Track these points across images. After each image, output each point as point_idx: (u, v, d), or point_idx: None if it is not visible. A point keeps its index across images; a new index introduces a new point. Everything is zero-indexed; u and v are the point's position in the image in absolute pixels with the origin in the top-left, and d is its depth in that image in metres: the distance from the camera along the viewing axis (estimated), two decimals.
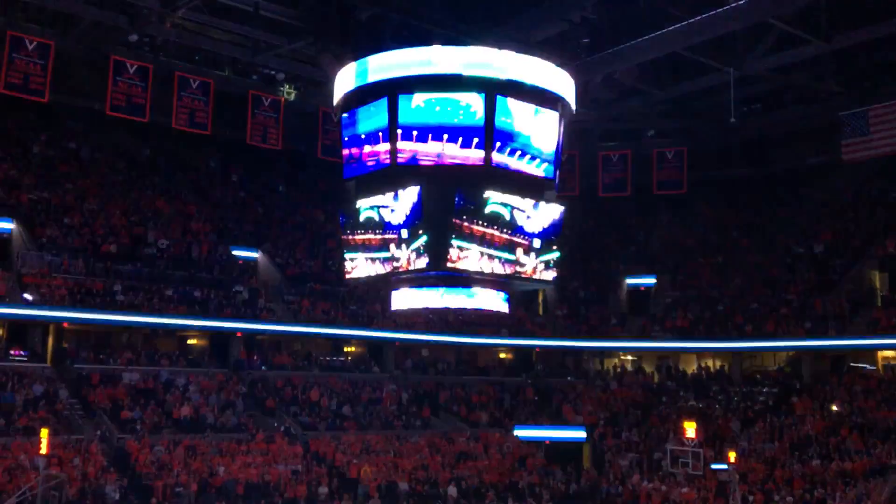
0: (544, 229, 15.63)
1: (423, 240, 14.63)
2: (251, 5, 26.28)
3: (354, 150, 16.11)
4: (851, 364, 34.42)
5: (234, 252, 35.00)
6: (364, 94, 15.57)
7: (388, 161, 15.08)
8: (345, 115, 16.28)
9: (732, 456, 26.35)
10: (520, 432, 33.93)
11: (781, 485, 27.06)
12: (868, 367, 34.25)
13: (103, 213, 32.72)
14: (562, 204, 16.08)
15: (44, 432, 21.99)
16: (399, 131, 14.79)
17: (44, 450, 21.84)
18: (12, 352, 28.17)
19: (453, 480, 28.87)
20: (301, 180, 40.75)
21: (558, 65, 16.05)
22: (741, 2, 22.67)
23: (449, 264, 14.59)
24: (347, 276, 16.72)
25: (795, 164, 38.66)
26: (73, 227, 31.45)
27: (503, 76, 14.83)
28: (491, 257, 15.01)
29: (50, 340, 29.18)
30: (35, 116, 33.76)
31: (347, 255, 16.52)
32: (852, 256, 36.27)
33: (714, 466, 28.20)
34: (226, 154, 38.75)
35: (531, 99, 15.21)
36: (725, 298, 37.85)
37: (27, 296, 27.56)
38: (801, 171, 38.75)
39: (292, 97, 33.00)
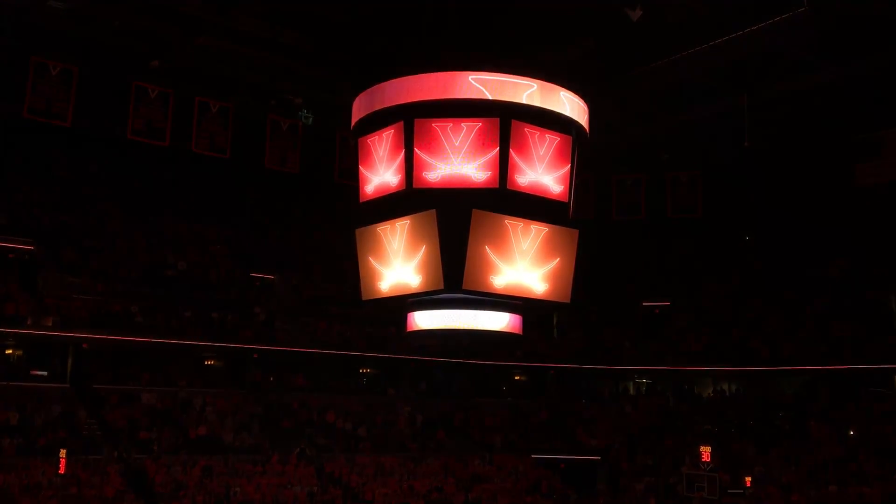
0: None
1: (438, 262, 14.80)
2: (271, 32, 26.71)
3: (370, 174, 16.36)
4: (868, 388, 34.15)
5: (252, 274, 35.31)
6: (380, 119, 15.84)
7: (403, 185, 15.30)
8: (361, 138, 16.56)
9: (748, 480, 26.21)
10: (534, 455, 33.84)
11: None
12: (885, 391, 34.00)
13: (123, 237, 33.15)
14: (575, 227, 16.24)
15: (62, 452, 22.26)
16: (415, 155, 15.03)
17: (61, 469, 22.10)
18: (32, 372, 28.53)
19: (468, 503, 28.83)
20: (318, 204, 41.10)
21: (572, 89, 16.26)
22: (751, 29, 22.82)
23: (464, 286, 14.76)
24: (363, 299, 16.90)
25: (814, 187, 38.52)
26: (93, 249, 31.87)
27: (518, 101, 15.06)
28: (505, 278, 15.16)
29: (69, 361, 29.50)
30: (57, 140, 34.31)
31: (363, 278, 16.72)
32: (870, 280, 36.09)
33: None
34: (244, 178, 39.18)
35: (546, 123, 15.44)
36: (741, 322, 37.71)
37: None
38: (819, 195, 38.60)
39: (310, 121, 33.38)
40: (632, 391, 40.30)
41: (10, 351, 29.13)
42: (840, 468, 29.22)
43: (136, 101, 28.19)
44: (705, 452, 26.92)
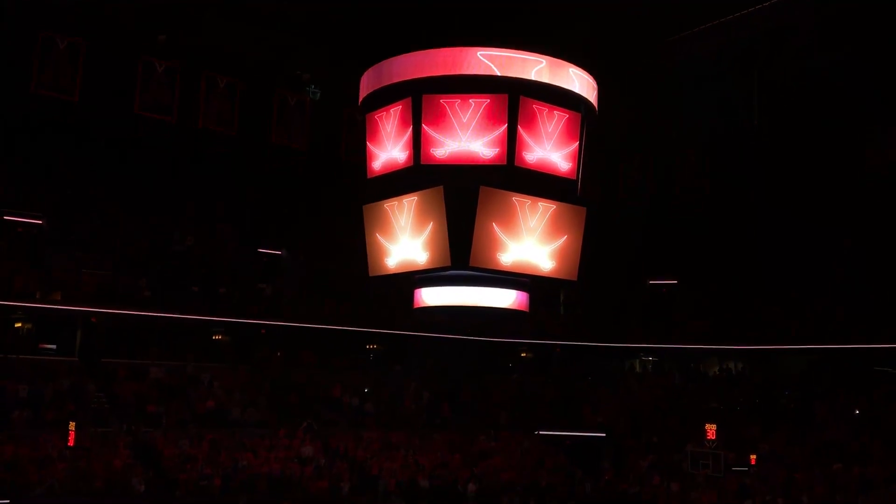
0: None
1: (445, 239, 14.80)
2: (278, 8, 26.61)
3: (378, 150, 16.34)
4: (875, 368, 34.15)
5: (259, 250, 35.38)
6: (388, 94, 15.79)
7: (411, 161, 15.29)
8: (369, 114, 16.52)
9: (753, 459, 26.32)
10: (540, 432, 34.02)
11: (802, 489, 26.96)
12: (892, 371, 34.00)
13: (130, 213, 33.22)
14: (583, 205, 16.21)
15: (71, 425, 22.48)
16: (423, 131, 15.00)
17: (71, 442, 22.33)
18: (41, 346, 28.77)
19: (473, 478, 29.04)
20: (325, 180, 41.04)
21: (583, 66, 16.16)
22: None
23: (471, 263, 14.78)
24: (370, 275, 16.94)
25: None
26: (101, 225, 31.96)
27: (527, 77, 14.99)
28: (512, 256, 15.17)
29: (78, 335, 29.70)
30: (65, 115, 34.27)
31: (370, 254, 16.75)
32: (878, 260, 35.98)
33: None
34: (251, 154, 39.11)
35: (554, 99, 15.37)
36: (748, 300, 37.66)
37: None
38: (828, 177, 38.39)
39: (317, 97, 33.31)
40: (638, 369, 40.36)
41: (20, 324, 29.34)
42: (845, 448, 29.31)
43: (144, 77, 28.18)
44: (710, 430, 27.03)
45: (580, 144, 16.01)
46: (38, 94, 27.14)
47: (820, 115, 34.94)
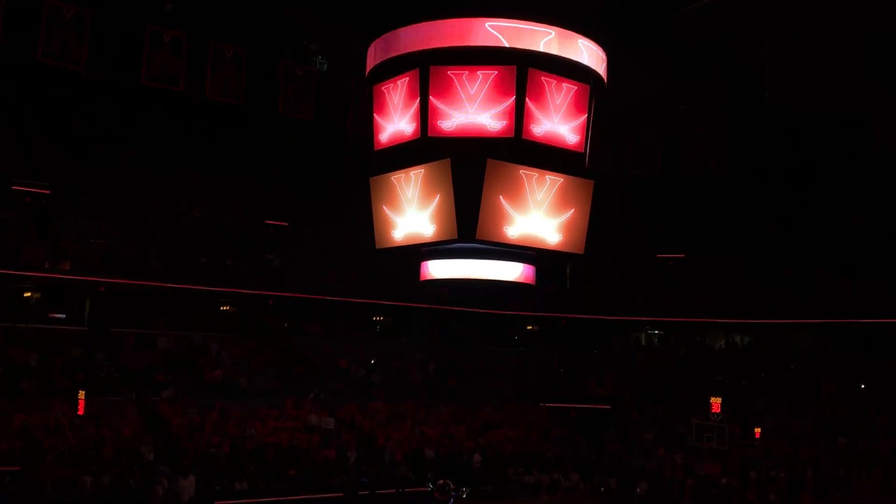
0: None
1: (452, 212, 14.77)
2: None
3: (385, 122, 16.27)
4: (880, 343, 34.15)
5: (266, 222, 35.44)
6: (395, 66, 15.68)
7: (418, 133, 15.22)
8: (376, 86, 16.42)
9: (758, 432, 26.44)
10: (545, 403, 34.22)
11: (806, 462, 27.10)
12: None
13: (138, 184, 33.27)
14: (591, 178, 16.13)
15: (81, 394, 22.69)
16: (430, 103, 14.90)
17: (80, 411, 22.56)
18: (50, 315, 28.98)
19: (478, 449, 29.28)
20: (332, 151, 40.98)
21: (592, 38, 16.00)
22: None
23: (478, 236, 14.76)
24: (377, 247, 16.94)
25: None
26: (108, 195, 32.03)
27: (535, 48, 14.84)
28: (519, 229, 15.14)
29: (87, 305, 29.89)
30: (72, 85, 34.22)
31: (377, 226, 16.74)
32: (884, 236, 35.85)
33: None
34: (259, 126, 39.05)
35: (563, 71, 15.23)
36: (755, 275, 37.63)
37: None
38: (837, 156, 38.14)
39: (324, 68, 33.13)
40: (644, 342, 40.46)
41: (29, 294, 29.54)
42: (849, 422, 29.42)
43: (151, 46, 28.02)
44: (715, 404, 27.13)
45: (588, 117, 15.89)
46: (45, 63, 27.05)
47: (829, 90, 34.61)
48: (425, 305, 34.67)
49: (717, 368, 36.26)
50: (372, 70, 16.33)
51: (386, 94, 16.11)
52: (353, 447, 27.49)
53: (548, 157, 15.31)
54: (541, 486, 28.46)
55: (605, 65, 16.09)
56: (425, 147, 15.12)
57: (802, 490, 23.56)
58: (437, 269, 16.62)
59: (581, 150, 15.91)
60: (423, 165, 15.29)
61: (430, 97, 14.91)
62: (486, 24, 14.81)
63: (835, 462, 26.69)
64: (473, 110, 14.82)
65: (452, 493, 20.03)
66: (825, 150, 37.80)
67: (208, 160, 36.89)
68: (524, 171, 15.09)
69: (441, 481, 20.61)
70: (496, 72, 14.77)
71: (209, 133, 38.13)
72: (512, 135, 14.76)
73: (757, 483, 24.88)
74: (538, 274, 17.00)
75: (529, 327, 40.33)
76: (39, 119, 33.28)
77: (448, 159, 14.69)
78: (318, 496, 24.70)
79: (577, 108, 15.64)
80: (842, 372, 32.88)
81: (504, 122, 14.80)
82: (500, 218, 14.94)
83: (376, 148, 16.60)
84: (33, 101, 33.25)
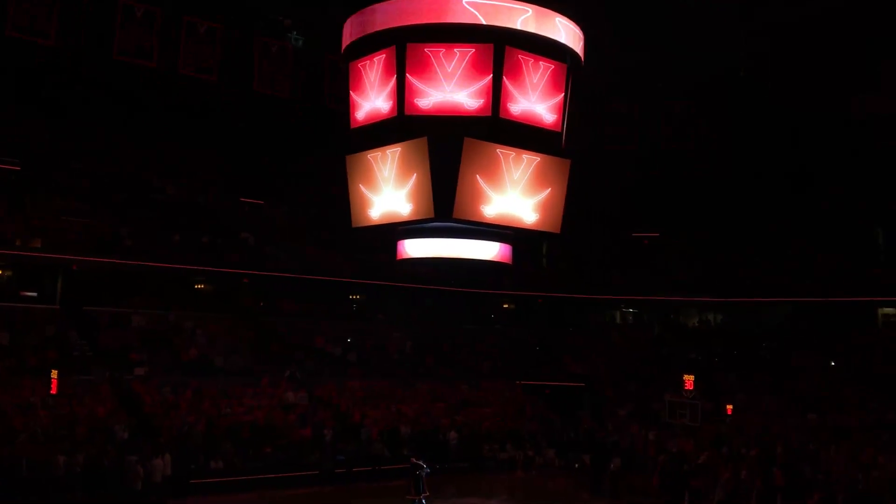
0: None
1: (429, 190, 14.73)
2: None
3: (361, 100, 16.15)
4: (852, 320, 34.68)
5: (241, 199, 35.16)
6: (371, 43, 15.54)
7: (394, 111, 15.12)
8: (352, 63, 16.27)
9: (730, 409, 26.78)
10: (521, 381, 34.44)
11: (777, 438, 27.52)
12: (867, 323, 34.55)
13: (110, 159, 32.84)
14: (568, 157, 16.15)
15: (53, 373, 22.47)
16: (407, 81, 14.80)
17: (53, 390, 22.35)
18: (22, 293, 28.62)
19: (454, 427, 29.42)
20: (308, 129, 40.67)
21: (568, 15, 15.94)
22: None
23: (454, 215, 14.75)
24: (353, 226, 16.88)
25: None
26: (80, 171, 31.58)
27: (512, 26, 14.77)
28: (496, 208, 15.14)
29: (59, 283, 29.54)
30: (43, 61, 33.60)
31: (353, 205, 16.66)
32: (858, 213, 36.29)
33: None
34: (233, 101, 38.61)
35: (540, 50, 15.19)
36: (728, 253, 37.98)
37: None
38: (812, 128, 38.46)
39: (300, 44, 32.80)
40: (618, 321, 40.77)
41: (0, 272, 29.13)
42: (820, 398, 29.89)
43: (122, 20, 27.60)
44: (688, 381, 27.39)
45: (566, 96, 15.89)
46: (13, 37, 26.55)
47: (806, 65, 34.82)
48: (402, 284, 34.64)
49: (691, 346, 36.64)
50: (348, 47, 16.19)
51: (362, 72, 16.00)
52: (330, 425, 27.50)
53: (525, 136, 15.32)
54: (516, 462, 28.70)
55: (582, 43, 16.06)
56: (402, 125, 15.06)
57: (773, 465, 23.92)
58: (414, 247, 16.62)
59: (558, 129, 15.93)
60: (399, 144, 15.23)
61: (407, 75, 14.84)
62: (464, 1, 14.74)
63: (805, 437, 27.12)
64: (450, 88, 14.77)
65: (420, 472, 20.33)
66: (801, 128, 38.10)
67: (183, 136, 36.43)
68: (501, 150, 15.09)
69: (413, 460, 20.96)
70: (473, 50, 14.71)
71: (183, 109, 37.65)
72: (489, 113, 14.74)
73: (729, 458, 25.21)
74: (515, 253, 17.04)
75: (506, 306, 40.48)
76: (9, 94, 32.64)
77: (425, 138, 14.65)
78: (295, 474, 24.71)
79: (554, 86, 15.64)
80: (813, 349, 33.36)
81: (481, 101, 14.77)
82: (477, 197, 14.94)
83: (353, 126, 16.50)
84: (2, 76, 32.61)
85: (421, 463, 20.63)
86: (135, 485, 21.25)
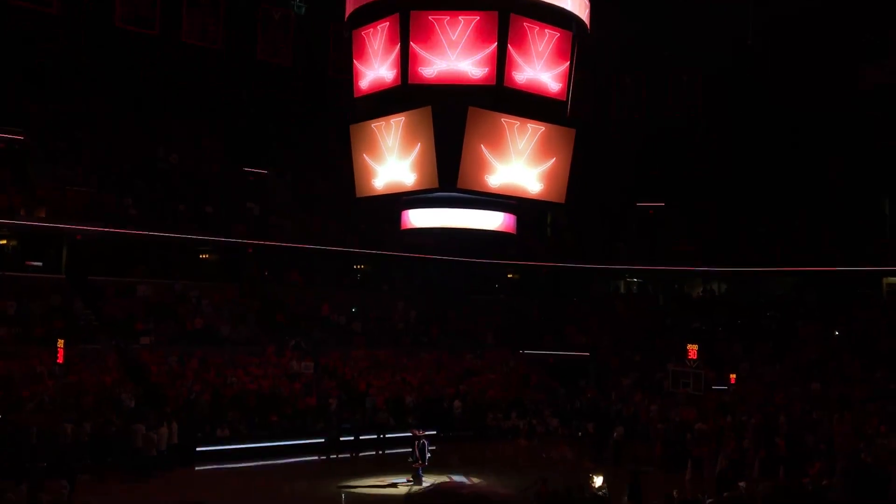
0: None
1: (433, 160, 14.66)
2: None
3: (365, 68, 16.01)
4: (857, 290, 34.62)
5: (245, 169, 35.08)
6: (375, 10, 15.37)
7: (398, 80, 14.99)
8: (355, 31, 16.11)
9: (733, 378, 26.85)
10: (525, 351, 34.56)
11: (780, 407, 27.61)
12: (872, 293, 34.50)
13: (113, 129, 32.72)
14: (573, 127, 16.03)
15: (60, 342, 22.57)
16: (411, 49, 14.66)
17: (60, 359, 22.47)
18: (27, 263, 28.71)
19: (458, 396, 29.61)
20: (312, 98, 40.42)
21: None
22: None
23: (459, 185, 14.68)
24: (357, 196, 16.82)
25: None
26: (83, 141, 31.50)
27: None
28: (500, 178, 15.07)
29: (64, 252, 29.61)
30: (46, 28, 33.34)
31: (357, 175, 16.58)
32: (864, 183, 36.06)
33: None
34: (236, 71, 38.36)
35: (545, 17, 15.01)
36: (733, 223, 37.83)
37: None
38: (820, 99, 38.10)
39: (303, 11, 32.52)
40: (623, 291, 40.79)
41: (5, 241, 29.19)
42: (824, 367, 29.93)
43: None
44: (692, 350, 27.43)
45: (571, 65, 15.71)
46: (15, 5, 26.35)
47: (815, 35, 34.43)
48: (406, 254, 34.67)
49: (695, 316, 36.66)
50: (351, 14, 16.01)
51: (366, 40, 15.83)
52: (335, 394, 27.70)
53: (530, 105, 15.18)
54: (519, 431, 28.91)
55: (588, 11, 15.87)
56: (406, 94, 14.93)
57: (776, 434, 24.03)
58: (419, 218, 16.56)
59: (563, 98, 15.78)
60: (403, 113, 15.11)
61: (411, 43, 14.68)
62: None
63: (808, 407, 27.20)
64: (455, 57, 14.62)
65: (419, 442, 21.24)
66: (809, 97, 37.70)
67: (186, 106, 36.24)
68: (506, 120, 14.97)
69: (414, 431, 22.03)
70: (478, 17, 14.53)
71: (187, 77, 37.42)
72: (493, 82, 14.59)
73: (731, 427, 25.33)
74: (519, 223, 16.99)
75: (510, 276, 40.51)
76: (11, 63, 32.44)
77: (429, 107, 14.53)
78: (301, 442, 24.96)
79: (559, 55, 15.46)
80: (817, 319, 33.36)
81: (486, 70, 14.62)
82: (481, 167, 14.86)
83: (356, 95, 16.36)
84: (3, 44, 32.39)
85: (420, 433, 21.63)
86: (143, 453, 21.46)
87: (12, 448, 19.98)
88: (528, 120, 15.23)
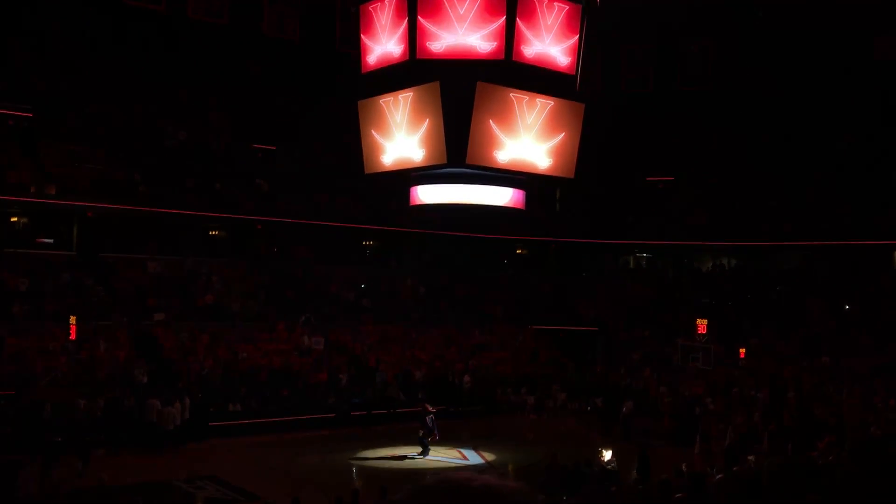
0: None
1: (441, 136, 14.62)
2: None
3: (372, 43, 15.92)
4: (867, 264, 34.45)
5: (254, 146, 35.03)
6: None
7: (406, 55, 14.91)
8: (363, 5, 16.01)
9: (742, 352, 26.85)
10: (534, 326, 34.60)
11: (790, 382, 27.64)
12: (883, 267, 34.34)
13: (121, 105, 32.68)
14: (582, 101, 15.93)
15: (72, 318, 22.76)
16: (418, 24, 14.57)
17: (72, 335, 22.67)
18: (38, 240, 28.86)
19: (468, 371, 29.72)
20: (320, 73, 40.24)
21: None
22: None
23: (467, 161, 14.64)
24: (366, 172, 16.81)
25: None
26: (92, 118, 31.49)
27: None
28: (509, 153, 15.02)
29: (75, 229, 29.73)
30: (52, 6, 33.28)
31: (365, 151, 16.56)
32: (876, 156, 35.77)
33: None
34: (245, 46, 38.20)
35: None
36: (743, 197, 37.62)
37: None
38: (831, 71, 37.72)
39: None
40: (632, 265, 40.71)
41: (16, 219, 29.33)
42: (833, 341, 29.90)
43: None
44: (701, 325, 27.45)
45: (580, 38, 15.58)
46: None
47: (828, 5, 33.97)
48: (415, 230, 34.63)
49: (704, 290, 36.58)
50: None
51: (373, 14, 15.74)
52: (345, 369, 27.85)
53: (539, 79, 15.09)
54: (529, 405, 29.03)
55: None
56: (414, 69, 14.85)
57: (785, 409, 24.09)
58: (427, 194, 16.54)
59: (572, 72, 15.67)
60: (411, 88, 15.04)
61: (419, 17, 14.57)
62: None
63: (818, 380, 27.23)
64: (463, 31, 14.51)
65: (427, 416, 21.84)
66: (820, 69, 37.30)
67: (195, 81, 36.16)
68: (514, 95, 14.89)
69: (423, 406, 22.57)
70: None
71: (194, 52, 37.30)
72: (502, 57, 14.49)
73: (741, 402, 25.40)
74: (528, 198, 16.96)
75: (520, 251, 40.47)
76: (20, 39, 32.42)
77: (437, 82, 14.46)
78: (312, 416, 25.15)
79: (568, 28, 15.33)
80: (827, 293, 33.27)
81: (494, 44, 14.51)
82: (490, 142, 14.81)
83: (364, 70, 16.29)
84: (13, 20, 32.34)
85: (429, 408, 22.19)
86: (158, 428, 21.67)
87: (27, 423, 20.22)
88: (537, 94, 15.14)
